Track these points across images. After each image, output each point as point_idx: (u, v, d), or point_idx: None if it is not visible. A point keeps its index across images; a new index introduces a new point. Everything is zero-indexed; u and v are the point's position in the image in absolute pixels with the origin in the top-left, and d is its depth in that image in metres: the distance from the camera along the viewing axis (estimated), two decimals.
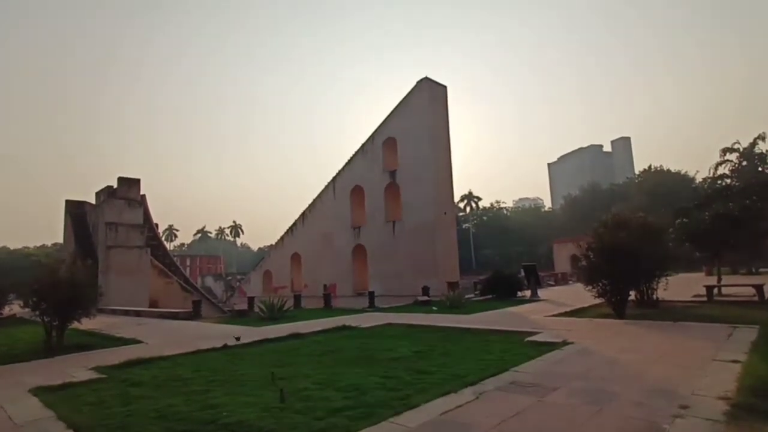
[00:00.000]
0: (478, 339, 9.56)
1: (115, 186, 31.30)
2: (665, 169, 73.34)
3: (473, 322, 12.23)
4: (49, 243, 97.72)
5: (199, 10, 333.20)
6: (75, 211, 35.07)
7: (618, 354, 7.34)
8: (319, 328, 12.06)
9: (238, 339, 10.24)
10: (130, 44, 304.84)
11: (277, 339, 10.62)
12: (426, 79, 28.62)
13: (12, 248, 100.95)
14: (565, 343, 8.28)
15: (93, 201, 35.21)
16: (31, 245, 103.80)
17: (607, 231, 12.85)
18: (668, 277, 13.41)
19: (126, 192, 30.65)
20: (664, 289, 13.41)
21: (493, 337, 9.76)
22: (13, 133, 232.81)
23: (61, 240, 39.77)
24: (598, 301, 12.68)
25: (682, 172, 70.39)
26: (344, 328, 12.14)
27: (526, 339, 8.99)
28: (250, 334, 11.75)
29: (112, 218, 28.67)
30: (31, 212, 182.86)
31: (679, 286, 17.64)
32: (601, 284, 12.21)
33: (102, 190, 32.93)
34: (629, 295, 12.44)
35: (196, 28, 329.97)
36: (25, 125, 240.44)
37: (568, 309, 14.26)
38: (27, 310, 11.08)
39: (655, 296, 13.64)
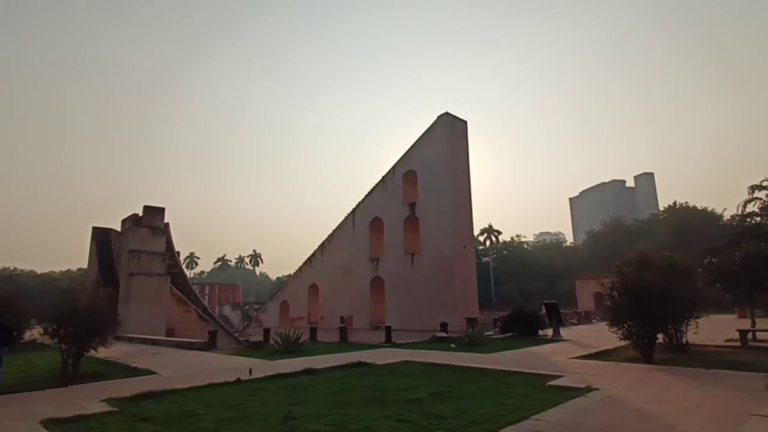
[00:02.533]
0: (497, 381, 9.19)
1: (141, 214, 32.14)
2: (691, 205, 71.43)
3: (493, 362, 11.81)
4: (74, 268, 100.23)
5: (212, 43, 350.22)
6: (101, 237, 36.05)
7: (647, 404, 6.92)
8: (334, 364, 11.82)
9: (251, 373, 10.10)
10: (162, 77, 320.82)
11: (291, 374, 10.42)
12: (446, 114, 29.04)
13: (39, 272, 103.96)
14: (589, 389, 7.87)
15: (119, 228, 36.22)
16: (57, 270, 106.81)
17: (632, 270, 12.43)
18: (698, 320, 12.77)
19: (150, 220, 31.40)
20: (694, 333, 12.75)
21: (513, 379, 9.37)
22: (49, 161, 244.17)
23: (85, 265, 40.77)
24: (623, 343, 12.14)
25: (709, 209, 68.40)
26: (359, 364, 11.86)
27: (548, 383, 8.60)
28: (264, 367, 11.60)
29: (135, 246, 29.29)
30: (59, 238, 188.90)
31: (710, 329, 16.76)
32: (626, 326, 11.73)
33: (128, 218, 33.86)
34: (657, 338, 11.88)
35: (225, 65, 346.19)
36: (60, 153, 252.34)
37: (592, 351, 13.67)
38: (47, 336, 11.22)
39: (684, 339, 12.98)
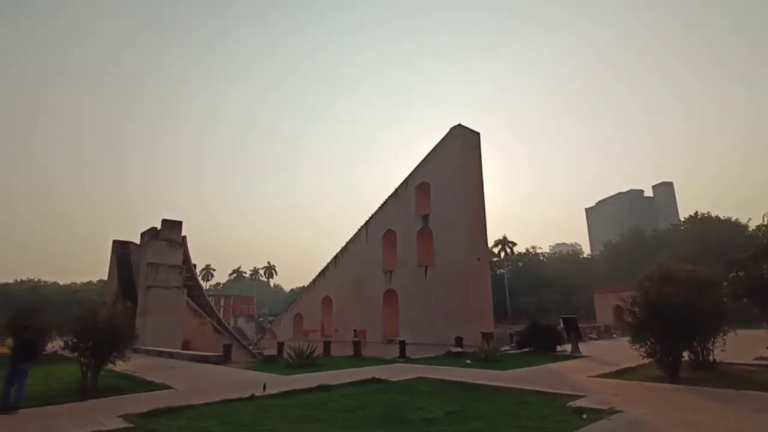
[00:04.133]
0: (514, 400, 8.95)
1: (159, 227, 32.69)
2: (713, 215, 69.69)
3: (510, 380, 11.54)
4: (95, 280, 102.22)
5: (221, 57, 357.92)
6: (121, 250, 36.76)
7: (674, 427, 6.65)
8: (348, 380, 11.70)
9: (265, 389, 10.06)
10: (180, 90, 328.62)
11: (305, 391, 10.34)
12: (459, 126, 29.03)
13: (61, 284, 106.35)
14: (612, 412, 7.60)
15: (138, 241, 36.89)
16: (79, 281, 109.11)
17: (654, 284, 12.08)
18: (725, 336, 12.28)
19: (168, 233, 31.90)
20: (722, 350, 12.26)
21: (531, 398, 9.12)
22: (71, 176, 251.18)
23: (106, 277, 41.54)
24: (646, 360, 11.74)
25: (733, 219, 66.64)
26: (374, 380, 11.72)
27: (568, 404, 8.34)
28: (277, 383, 11.55)
29: (153, 259, 29.74)
30: (82, 250, 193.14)
31: (738, 346, 16.04)
32: (649, 343, 11.36)
33: (147, 231, 34.49)
34: (682, 356, 11.47)
35: (237, 78, 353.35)
36: (83, 169, 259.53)
37: (613, 368, 13.27)
38: (67, 350, 11.39)
39: (711, 357, 12.52)
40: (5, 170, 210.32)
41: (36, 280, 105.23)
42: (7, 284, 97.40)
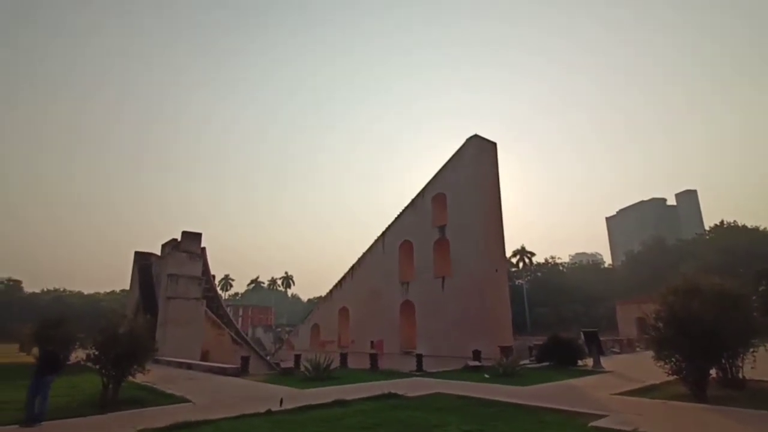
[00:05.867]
0: (533, 419, 8.75)
1: (179, 239, 33.29)
2: (740, 224, 67.58)
3: (529, 397, 11.29)
4: (118, 289, 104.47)
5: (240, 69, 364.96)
6: (142, 261, 37.51)
7: None
8: (365, 395, 11.62)
9: (281, 403, 10.07)
10: (198, 103, 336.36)
11: (321, 406, 10.30)
12: (475, 136, 28.94)
13: (86, 293, 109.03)
14: None
15: (159, 252, 37.61)
16: (102, 291, 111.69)
17: (678, 299, 11.70)
18: (755, 352, 11.77)
19: (188, 245, 32.45)
20: (752, 367, 11.77)
21: (551, 417, 8.91)
22: (98, 187, 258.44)
23: (128, 287, 42.41)
24: (671, 377, 11.35)
25: (761, 228, 64.51)
26: (390, 396, 11.61)
27: (590, 424, 8.10)
28: (294, 397, 11.55)
29: (173, 270, 30.25)
30: (106, 260, 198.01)
31: None
32: (674, 359, 10.98)
33: (167, 243, 35.14)
34: (709, 374, 11.05)
35: (252, 91, 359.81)
36: (108, 180, 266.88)
37: (636, 385, 12.88)
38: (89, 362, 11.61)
39: (740, 375, 12.03)
40: (38, 187, 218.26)
41: (62, 289, 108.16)
42: (34, 293, 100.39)
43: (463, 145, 29.29)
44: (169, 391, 12.83)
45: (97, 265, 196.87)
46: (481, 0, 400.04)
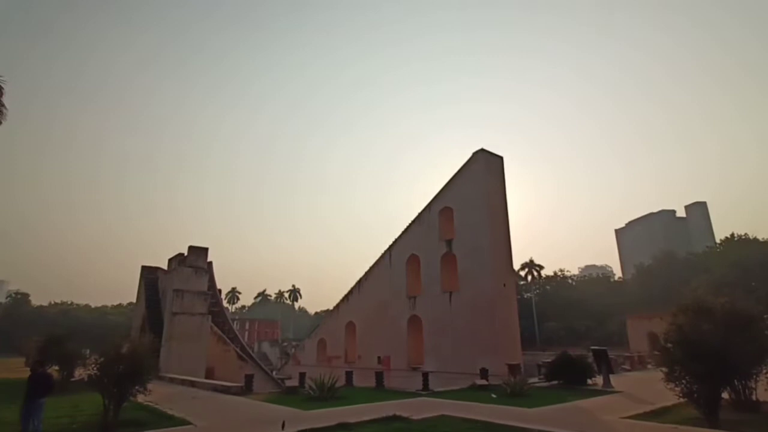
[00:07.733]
0: None
1: (185, 254, 33.38)
2: (752, 237, 66.52)
3: (537, 420, 11.02)
4: (125, 302, 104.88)
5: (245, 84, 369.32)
6: (149, 276, 37.61)
7: None
8: (368, 417, 11.41)
9: (283, 427, 9.92)
10: (206, 116, 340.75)
11: (324, 429, 10.14)
12: (482, 150, 28.95)
13: (93, 306, 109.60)
14: None
15: (165, 266, 37.72)
16: (110, 304, 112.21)
17: (688, 320, 11.44)
18: None
19: (194, 260, 32.50)
20: (766, 389, 11.44)
21: None
22: (107, 203, 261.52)
23: (134, 300, 42.51)
24: (682, 399, 11.03)
25: None
26: (395, 418, 11.40)
27: None
28: (297, 418, 11.39)
29: (179, 285, 30.28)
30: (114, 273, 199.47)
31: None
32: (685, 382, 10.68)
33: (174, 257, 35.23)
34: (721, 397, 10.74)
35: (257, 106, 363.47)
36: (118, 195, 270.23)
37: (647, 408, 12.53)
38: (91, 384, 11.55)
39: (754, 397, 11.68)
40: (50, 203, 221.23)
41: (69, 302, 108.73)
42: (42, 306, 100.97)
43: (470, 159, 29.29)
44: (171, 412, 12.70)
45: (105, 279, 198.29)
46: (499, 9, 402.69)
